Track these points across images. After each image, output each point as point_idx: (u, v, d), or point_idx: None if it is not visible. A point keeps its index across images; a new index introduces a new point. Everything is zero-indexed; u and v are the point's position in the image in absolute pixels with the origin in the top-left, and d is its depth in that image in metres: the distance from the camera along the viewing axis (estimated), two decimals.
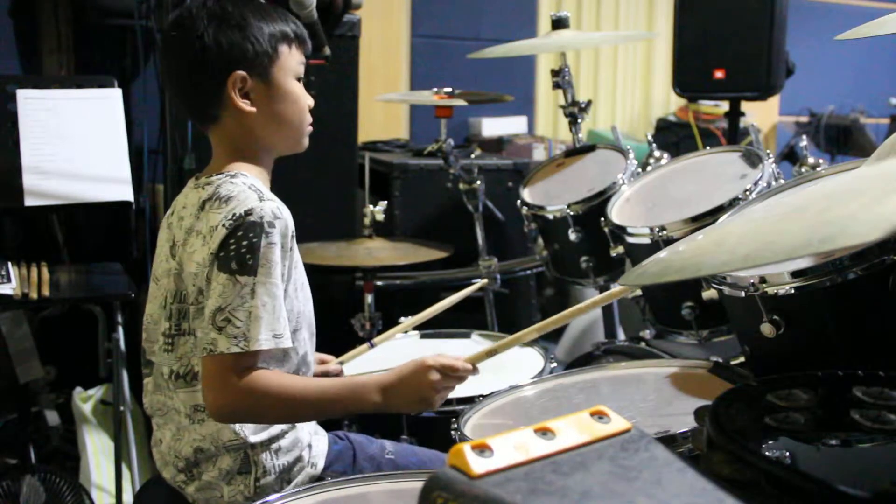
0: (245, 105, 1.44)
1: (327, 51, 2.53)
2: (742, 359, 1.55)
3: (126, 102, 2.56)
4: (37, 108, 2.36)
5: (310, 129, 1.54)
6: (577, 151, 2.47)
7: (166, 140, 2.66)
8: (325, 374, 1.77)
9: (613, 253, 1.97)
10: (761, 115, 5.26)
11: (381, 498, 1.27)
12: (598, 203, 2.09)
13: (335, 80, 2.85)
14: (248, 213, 1.35)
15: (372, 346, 1.92)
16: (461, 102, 2.56)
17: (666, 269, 1.04)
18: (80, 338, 2.66)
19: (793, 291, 1.25)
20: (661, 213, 1.91)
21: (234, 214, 1.36)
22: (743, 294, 1.31)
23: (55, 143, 2.34)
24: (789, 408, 1.02)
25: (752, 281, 1.28)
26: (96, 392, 2.81)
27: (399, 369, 1.45)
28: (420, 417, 1.76)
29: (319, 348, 1.62)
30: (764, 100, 3.33)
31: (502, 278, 2.66)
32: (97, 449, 2.64)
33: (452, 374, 1.46)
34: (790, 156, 4.88)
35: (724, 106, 3.94)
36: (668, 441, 1.18)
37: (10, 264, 2.23)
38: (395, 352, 1.99)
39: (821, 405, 1.03)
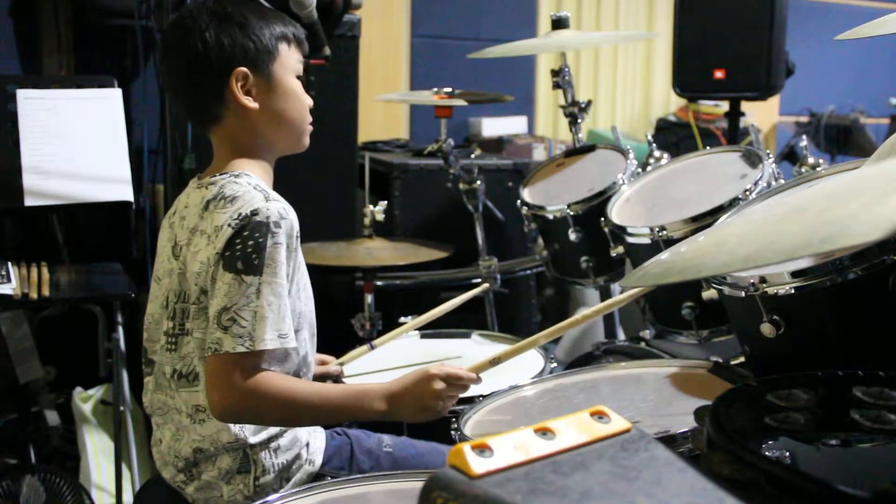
0: (248, 101, 1.45)
1: (327, 51, 2.53)
2: (742, 359, 1.55)
3: (126, 102, 2.56)
4: (37, 108, 2.36)
5: (310, 127, 1.55)
6: (577, 151, 2.47)
7: (166, 140, 2.65)
8: (326, 375, 1.77)
9: (613, 253, 1.97)
10: (761, 115, 5.26)
11: (380, 498, 1.27)
12: (598, 203, 2.09)
13: (335, 80, 2.85)
14: (255, 212, 1.36)
15: (372, 347, 1.92)
16: (461, 102, 2.56)
17: (667, 270, 1.04)
18: (80, 338, 2.66)
19: (793, 291, 1.25)
20: (661, 213, 1.91)
21: (240, 214, 1.36)
22: (743, 294, 1.31)
23: (55, 143, 2.34)
24: (789, 408, 1.02)
25: (752, 281, 1.29)
26: (96, 392, 2.81)
27: (403, 378, 1.46)
28: None
29: (319, 348, 1.62)
30: (764, 100, 3.33)
31: (502, 278, 2.66)
32: (97, 449, 2.64)
33: (456, 383, 1.47)
34: (790, 156, 4.88)
35: (724, 106, 3.94)
36: (668, 441, 1.18)
37: (10, 264, 2.23)
38: (395, 352, 1.99)
39: (821, 405, 1.03)
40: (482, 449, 0.68)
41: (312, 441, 1.53)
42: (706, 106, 4.67)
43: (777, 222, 1.02)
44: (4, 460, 2.60)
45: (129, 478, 2.43)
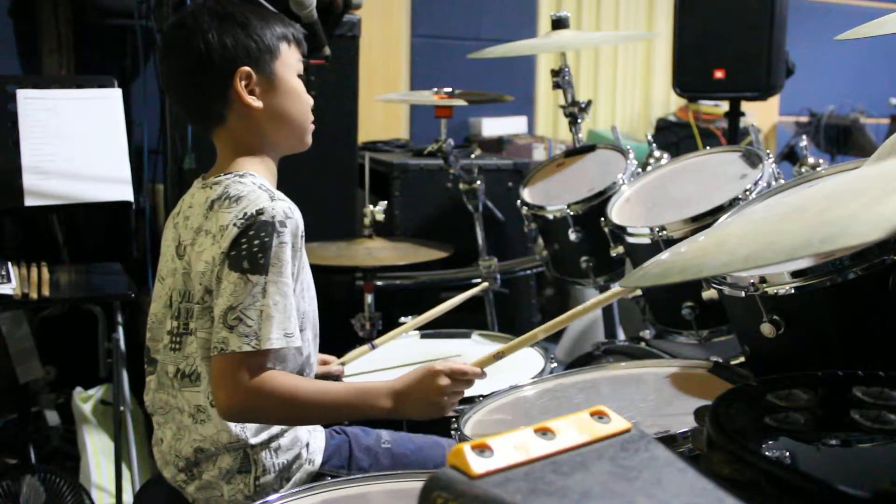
0: (252, 100, 1.45)
1: (327, 51, 2.53)
2: (742, 359, 1.55)
3: (126, 102, 2.56)
4: (37, 108, 2.36)
5: (312, 126, 1.55)
6: (577, 151, 2.47)
7: (166, 140, 2.66)
8: (327, 375, 1.77)
9: (613, 253, 1.97)
10: (761, 115, 5.26)
11: (381, 498, 1.27)
12: (598, 203, 2.09)
13: (335, 80, 2.85)
14: (260, 212, 1.36)
15: (373, 347, 1.92)
16: (461, 102, 2.56)
17: (667, 270, 1.04)
18: (80, 338, 2.66)
19: (793, 291, 1.25)
20: (661, 213, 1.91)
21: (245, 214, 1.36)
22: (743, 294, 1.31)
23: (55, 143, 2.34)
24: (789, 408, 1.02)
25: (752, 281, 1.29)
26: (96, 392, 2.81)
27: (408, 375, 1.46)
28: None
29: (319, 349, 1.62)
30: (764, 100, 3.33)
31: (502, 278, 2.66)
32: (97, 449, 2.64)
33: (461, 379, 1.47)
34: (790, 156, 4.88)
35: (724, 106, 3.94)
36: (668, 441, 1.18)
37: (10, 264, 2.23)
38: (396, 352, 1.99)
39: (821, 405, 1.03)
40: (482, 449, 0.68)
41: (312, 440, 1.53)
42: (706, 106, 4.67)
43: (777, 222, 1.02)
44: (4, 460, 2.60)
45: (129, 478, 2.43)
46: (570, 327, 3.38)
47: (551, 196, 2.29)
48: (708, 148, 2.09)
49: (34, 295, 2.11)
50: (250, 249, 1.34)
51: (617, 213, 1.97)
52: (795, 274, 1.25)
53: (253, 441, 1.43)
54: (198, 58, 1.43)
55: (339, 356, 1.85)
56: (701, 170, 2.01)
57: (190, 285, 1.43)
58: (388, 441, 1.61)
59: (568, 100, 2.54)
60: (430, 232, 3.02)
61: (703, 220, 1.69)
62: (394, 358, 1.94)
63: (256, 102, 1.46)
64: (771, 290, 1.27)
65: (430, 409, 1.46)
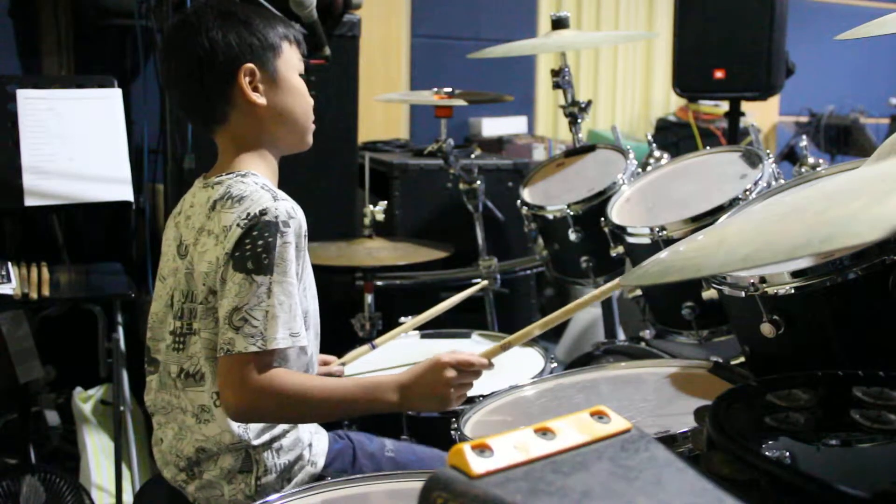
0: (256, 97, 1.46)
1: (327, 51, 2.53)
2: (742, 359, 1.55)
3: (126, 102, 2.56)
4: (37, 108, 2.36)
5: (313, 126, 1.56)
6: (577, 151, 2.47)
7: (166, 140, 2.65)
8: (328, 375, 1.77)
9: (613, 253, 1.97)
10: (761, 115, 5.26)
11: (381, 498, 1.27)
12: (598, 203, 2.09)
13: (335, 80, 2.85)
14: (264, 212, 1.36)
15: (373, 347, 1.92)
16: (461, 102, 2.56)
17: (666, 269, 1.04)
18: (80, 338, 2.66)
19: (793, 291, 1.25)
20: (661, 213, 1.91)
21: (248, 214, 1.36)
22: (743, 294, 1.31)
23: (55, 143, 2.34)
24: (789, 408, 1.02)
25: (752, 281, 1.29)
26: (96, 392, 2.80)
27: (415, 368, 1.46)
28: (420, 417, 1.76)
29: (319, 349, 1.62)
30: (764, 100, 3.33)
31: (502, 278, 2.66)
32: (97, 449, 2.63)
33: (468, 370, 1.46)
34: (790, 156, 4.88)
35: (724, 106, 3.94)
36: (668, 441, 1.18)
37: (10, 264, 2.23)
38: (396, 352, 1.99)
39: (821, 405, 1.03)
40: (482, 449, 0.68)
41: (315, 443, 1.53)
42: (706, 106, 4.67)
43: (777, 222, 1.02)
44: (4, 460, 2.59)
45: (129, 478, 2.43)
46: (570, 327, 3.38)
47: (551, 196, 2.29)
48: (708, 148, 2.09)
49: (34, 295, 2.11)
50: (254, 250, 1.34)
51: (617, 213, 1.97)
52: (795, 274, 1.25)
53: (255, 442, 1.43)
54: (202, 55, 1.43)
55: (339, 356, 1.85)
56: (701, 170, 2.01)
57: (193, 285, 1.43)
58: (391, 450, 1.61)
59: (568, 100, 2.54)
60: (430, 232, 3.01)
61: (702, 220, 1.69)
62: (394, 358, 1.94)
63: (260, 99, 1.46)
64: (771, 290, 1.27)
65: (437, 401, 1.45)
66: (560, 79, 2.51)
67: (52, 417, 2.82)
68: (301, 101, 1.52)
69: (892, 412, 0.98)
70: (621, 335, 2.65)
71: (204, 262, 1.40)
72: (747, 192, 1.69)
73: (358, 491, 1.27)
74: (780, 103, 5.50)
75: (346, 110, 2.93)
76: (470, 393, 1.53)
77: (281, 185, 1.51)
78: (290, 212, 1.38)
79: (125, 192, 2.37)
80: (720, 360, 1.60)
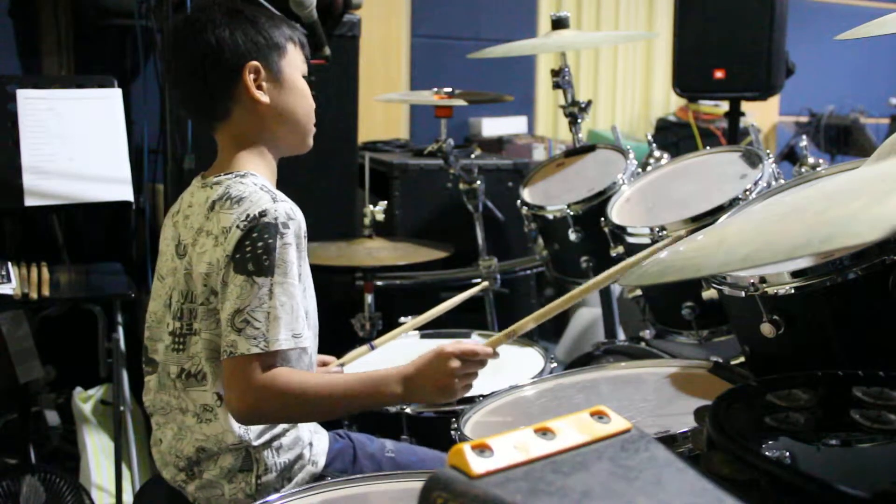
0: (260, 95, 1.46)
1: (327, 51, 2.53)
2: (742, 359, 1.55)
3: (126, 102, 2.56)
4: (37, 108, 2.36)
5: (314, 129, 1.56)
6: (577, 151, 2.47)
7: (166, 140, 2.65)
8: None
9: (613, 253, 1.97)
10: (761, 115, 5.26)
11: (381, 498, 1.27)
12: (598, 203, 2.09)
13: (335, 80, 2.85)
14: (263, 213, 1.36)
15: (373, 348, 1.92)
16: (461, 102, 2.56)
17: (666, 269, 1.04)
18: (80, 338, 2.66)
19: (793, 291, 1.25)
20: (661, 213, 1.91)
21: (248, 215, 1.36)
22: (743, 294, 1.31)
23: (55, 143, 2.34)
24: (789, 408, 1.02)
25: (752, 281, 1.29)
26: (96, 392, 2.80)
27: (418, 359, 1.45)
28: (420, 417, 1.76)
29: (319, 349, 1.62)
30: (764, 100, 3.33)
31: (502, 278, 2.66)
32: (97, 449, 2.63)
33: (473, 360, 1.44)
34: (790, 156, 4.88)
35: (724, 106, 3.94)
36: (668, 441, 1.18)
37: (10, 264, 2.23)
38: (395, 352, 1.98)
39: (821, 405, 1.03)
40: (482, 449, 0.68)
41: (316, 442, 1.53)
42: (706, 106, 4.67)
43: (777, 222, 1.02)
44: (4, 460, 2.59)
45: (129, 478, 2.43)
46: (570, 327, 3.38)
47: (551, 196, 2.29)
48: (708, 148, 2.09)
49: (34, 295, 2.11)
50: (255, 252, 1.34)
51: (617, 213, 1.97)
52: (795, 274, 1.25)
53: (255, 441, 1.43)
54: (208, 52, 1.44)
55: (338, 356, 1.85)
56: (701, 170, 2.01)
57: (192, 286, 1.43)
58: (392, 451, 1.60)
59: (568, 100, 2.54)
60: (430, 232, 3.01)
61: (702, 220, 1.69)
62: (393, 359, 1.93)
63: (263, 98, 1.47)
64: (771, 290, 1.27)
65: (442, 393, 1.43)
66: (560, 79, 2.51)
67: (52, 417, 2.82)
68: (303, 102, 1.53)
69: (892, 412, 0.98)
70: (621, 335, 2.65)
71: (203, 263, 1.40)
72: (747, 192, 1.69)
73: (358, 491, 1.27)
74: (780, 103, 5.49)
75: (346, 110, 2.93)
76: (470, 393, 1.53)
77: (281, 186, 1.51)
78: (289, 213, 1.38)
79: (125, 192, 2.37)
80: (720, 360, 1.60)
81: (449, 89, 2.59)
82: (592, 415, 0.75)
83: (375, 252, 2.43)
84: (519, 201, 2.30)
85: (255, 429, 1.44)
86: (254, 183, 1.43)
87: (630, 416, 1.03)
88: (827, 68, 5.26)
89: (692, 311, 1.73)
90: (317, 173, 2.79)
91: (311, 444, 1.52)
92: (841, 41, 1.63)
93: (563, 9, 4.70)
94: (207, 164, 1.54)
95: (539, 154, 4.17)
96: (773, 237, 0.94)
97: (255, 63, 1.46)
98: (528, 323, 1.51)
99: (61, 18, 3.20)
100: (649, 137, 2.41)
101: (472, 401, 1.56)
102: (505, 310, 2.84)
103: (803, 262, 1.24)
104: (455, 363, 1.42)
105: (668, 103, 5.15)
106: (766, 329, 1.28)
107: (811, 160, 1.84)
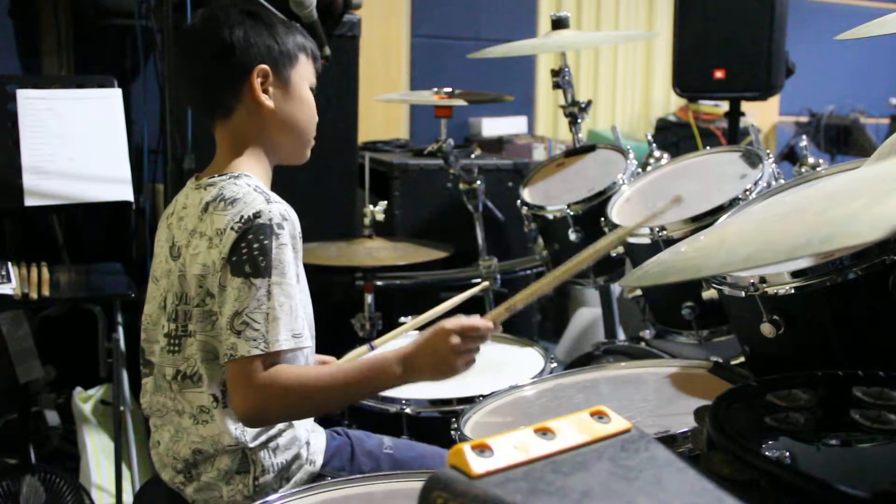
0: (265, 99, 1.47)
1: (327, 51, 2.52)
2: (742, 359, 1.55)
3: (126, 102, 2.56)
4: (37, 108, 2.36)
5: (313, 141, 1.57)
6: (577, 151, 2.47)
7: (166, 140, 2.65)
8: None
9: (613, 253, 1.97)
10: (761, 115, 5.26)
11: (381, 498, 1.27)
12: (598, 203, 2.09)
13: (335, 80, 2.85)
14: (257, 215, 1.36)
15: (372, 348, 1.92)
16: (461, 102, 2.56)
17: (667, 270, 1.04)
18: (80, 338, 2.66)
19: (793, 291, 1.25)
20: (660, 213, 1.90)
21: (242, 217, 1.36)
22: (743, 294, 1.31)
23: (55, 143, 2.34)
24: (789, 408, 1.02)
25: (752, 281, 1.29)
26: (96, 392, 2.80)
27: (417, 338, 1.43)
28: (420, 417, 1.76)
29: (319, 349, 1.62)
30: (764, 100, 3.33)
31: (502, 278, 2.66)
32: (97, 449, 2.63)
33: (474, 335, 1.42)
34: (790, 156, 4.88)
35: (724, 106, 3.94)
36: (668, 441, 1.18)
37: (10, 264, 2.23)
38: None
39: (821, 405, 1.03)
40: (482, 449, 0.68)
41: (313, 440, 1.53)
42: (706, 106, 4.67)
43: (777, 222, 1.02)
44: (4, 460, 2.59)
45: (129, 478, 2.43)
46: (570, 327, 3.38)
47: (551, 196, 2.29)
48: (708, 148, 2.09)
49: (34, 295, 2.11)
50: (251, 253, 1.34)
51: (617, 213, 1.97)
52: (795, 274, 1.25)
53: (251, 443, 1.43)
54: (221, 47, 1.45)
55: (338, 356, 1.84)
56: (701, 170, 2.01)
57: (186, 287, 1.43)
58: (390, 447, 1.60)
59: (568, 100, 2.54)
60: (430, 232, 3.01)
61: (703, 220, 1.69)
62: None
63: (268, 102, 1.47)
64: (771, 290, 1.27)
65: (443, 370, 1.41)
66: (560, 79, 2.51)
67: (52, 417, 2.82)
68: (307, 113, 1.53)
69: (892, 412, 0.98)
70: (621, 335, 2.65)
71: (196, 265, 1.40)
72: (747, 192, 1.69)
73: (358, 491, 1.27)
74: (780, 103, 5.50)
75: (346, 110, 2.93)
76: (470, 393, 1.53)
77: (281, 186, 1.51)
78: (283, 213, 1.38)
79: (125, 192, 2.37)
80: (720, 360, 1.60)
81: (449, 89, 2.59)
82: (592, 415, 0.75)
83: (375, 252, 2.43)
84: (519, 201, 2.30)
85: (252, 429, 1.43)
86: (247, 184, 1.43)
87: (630, 416, 1.03)
88: (827, 68, 5.26)
89: (692, 311, 1.73)
90: (317, 173, 2.78)
91: (308, 443, 1.51)
92: (841, 41, 1.63)
93: (563, 9, 4.70)
94: (207, 164, 1.54)
95: (539, 154, 4.17)
96: (773, 237, 0.94)
97: (264, 67, 1.46)
98: (529, 295, 1.47)
99: (61, 18, 3.20)
100: (649, 137, 2.41)
101: (472, 401, 1.56)
102: None
103: (803, 262, 1.24)
104: (455, 339, 1.40)
105: (668, 103, 5.15)
106: (766, 329, 1.28)
107: (811, 160, 1.84)
